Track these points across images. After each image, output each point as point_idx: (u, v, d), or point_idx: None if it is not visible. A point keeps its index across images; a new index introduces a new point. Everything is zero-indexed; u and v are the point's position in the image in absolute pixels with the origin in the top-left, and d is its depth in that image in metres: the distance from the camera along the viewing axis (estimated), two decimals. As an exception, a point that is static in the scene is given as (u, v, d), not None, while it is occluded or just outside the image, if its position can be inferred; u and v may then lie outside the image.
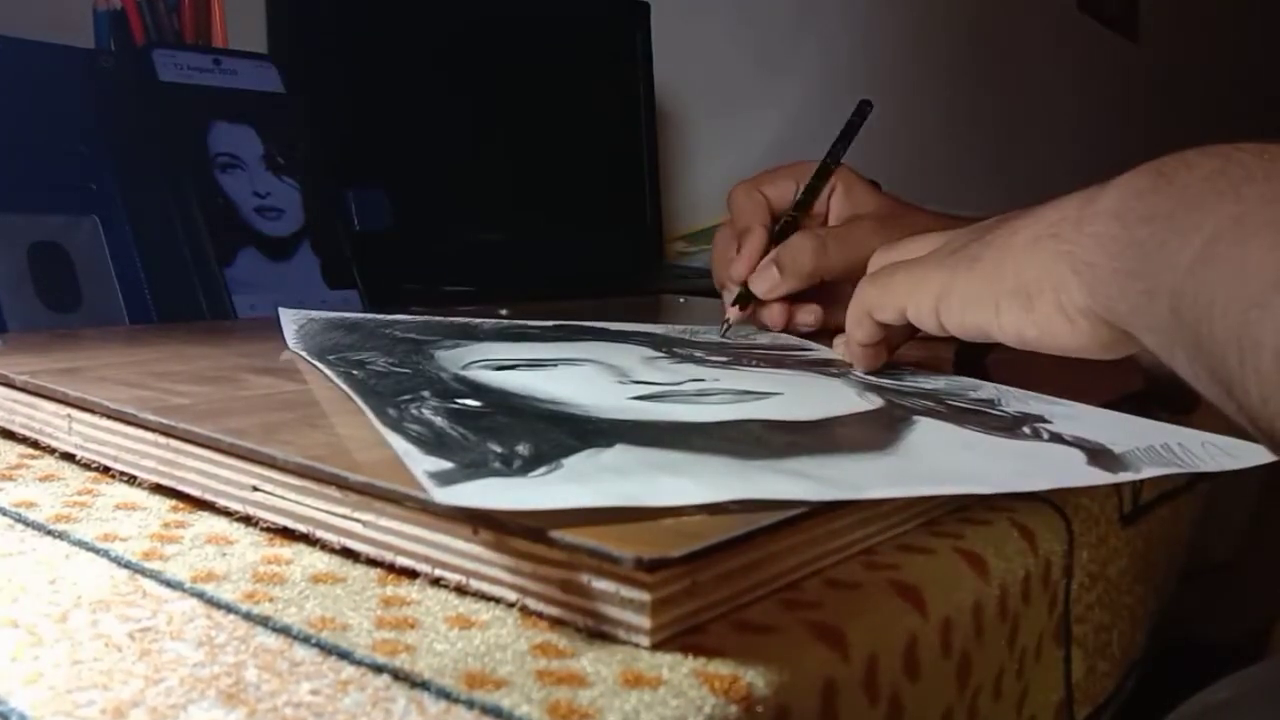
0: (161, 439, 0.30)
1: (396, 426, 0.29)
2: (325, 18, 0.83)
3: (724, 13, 1.37)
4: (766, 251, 0.60)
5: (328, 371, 0.38)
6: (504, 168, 0.97)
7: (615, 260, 1.07)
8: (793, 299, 0.60)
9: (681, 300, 0.85)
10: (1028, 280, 0.36)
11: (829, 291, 0.60)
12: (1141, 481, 0.31)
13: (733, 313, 0.59)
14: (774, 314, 0.60)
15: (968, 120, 1.79)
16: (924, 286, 0.41)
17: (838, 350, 0.50)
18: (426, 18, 0.91)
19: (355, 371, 0.38)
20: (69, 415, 0.33)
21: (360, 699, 0.19)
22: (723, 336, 0.57)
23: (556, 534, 0.22)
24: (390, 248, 0.73)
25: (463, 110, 0.93)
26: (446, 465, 0.25)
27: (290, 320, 0.49)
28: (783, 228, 0.62)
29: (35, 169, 0.57)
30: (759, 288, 0.59)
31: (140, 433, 0.31)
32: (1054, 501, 0.34)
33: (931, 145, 1.62)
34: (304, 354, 0.42)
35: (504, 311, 0.62)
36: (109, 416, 0.32)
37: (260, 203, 0.63)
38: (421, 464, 0.25)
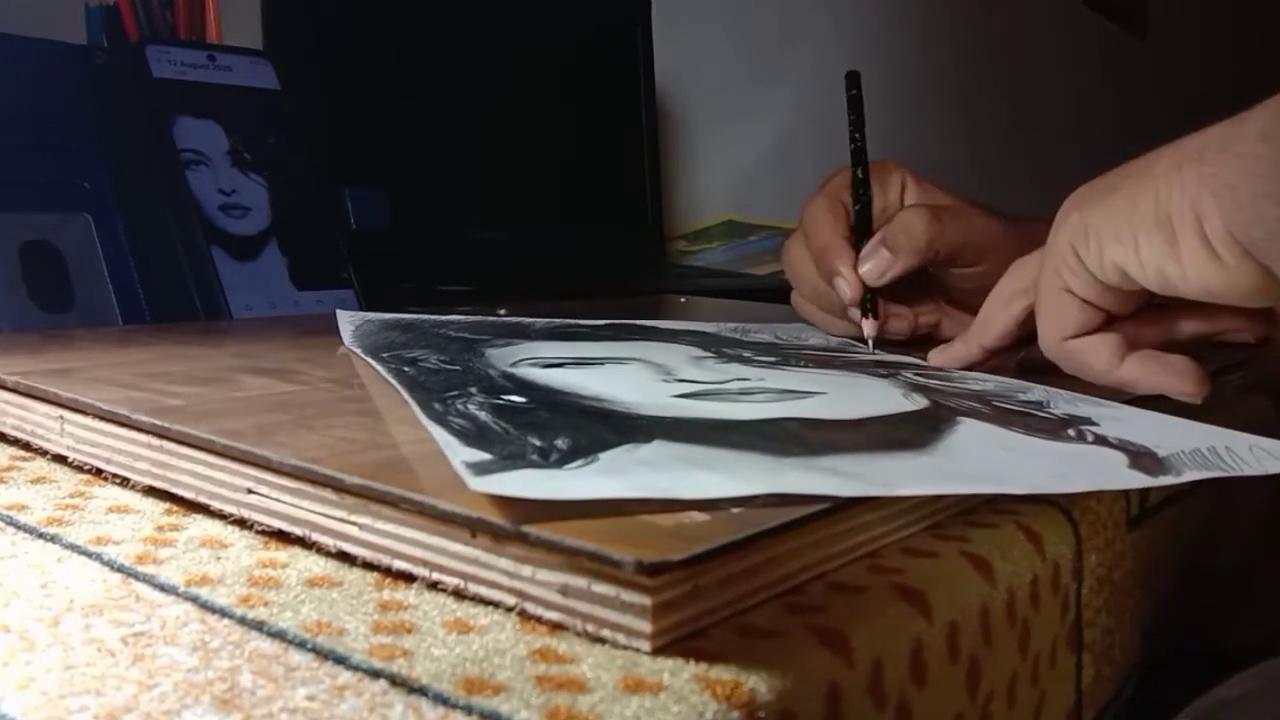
0: (155, 441, 0.30)
1: (441, 420, 0.30)
2: (321, 14, 0.83)
3: (725, 11, 1.37)
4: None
5: (380, 369, 0.39)
6: (503, 166, 0.96)
7: (616, 260, 1.07)
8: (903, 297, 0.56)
9: (683, 300, 0.84)
10: (1170, 210, 0.33)
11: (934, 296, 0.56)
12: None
13: (868, 326, 0.54)
14: (899, 322, 0.55)
15: (972, 117, 1.79)
16: (1061, 228, 0.38)
17: (939, 358, 0.48)
18: (425, 15, 0.91)
19: (407, 368, 0.39)
20: (61, 417, 0.33)
21: (357, 704, 0.19)
22: (873, 352, 0.54)
23: (556, 537, 0.22)
24: (387, 246, 0.73)
25: (462, 108, 0.93)
26: (485, 456, 0.26)
27: (347, 321, 0.52)
28: (856, 222, 0.57)
29: (27, 167, 0.57)
30: (870, 272, 0.53)
31: (133, 434, 0.31)
32: (1061, 504, 0.33)
33: (935, 142, 1.62)
34: (359, 352, 0.43)
35: (503, 311, 0.62)
36: (102, 418, 0.32)
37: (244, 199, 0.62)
38: (460, 454, 0.26)
